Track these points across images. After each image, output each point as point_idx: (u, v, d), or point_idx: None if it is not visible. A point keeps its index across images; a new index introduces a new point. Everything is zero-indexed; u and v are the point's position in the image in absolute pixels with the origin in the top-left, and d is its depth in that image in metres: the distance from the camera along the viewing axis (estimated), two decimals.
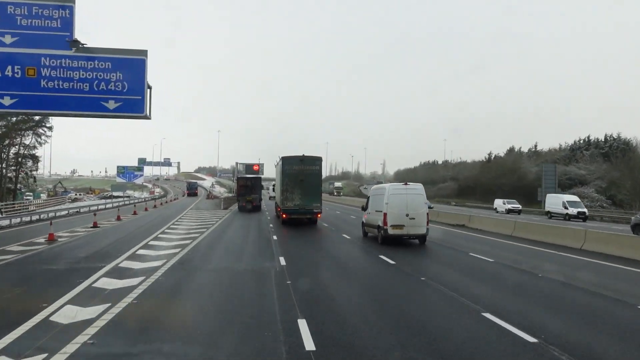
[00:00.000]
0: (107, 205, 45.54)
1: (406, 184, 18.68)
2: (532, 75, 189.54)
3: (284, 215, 26.07)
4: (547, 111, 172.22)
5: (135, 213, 35.22)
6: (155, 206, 47.52)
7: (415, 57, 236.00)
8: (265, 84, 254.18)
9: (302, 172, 25.26)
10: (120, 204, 51.51)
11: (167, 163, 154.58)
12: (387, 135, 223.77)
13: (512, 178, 67.28)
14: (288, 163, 25.79)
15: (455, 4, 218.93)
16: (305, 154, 25.80)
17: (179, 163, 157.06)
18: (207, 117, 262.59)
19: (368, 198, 20.78)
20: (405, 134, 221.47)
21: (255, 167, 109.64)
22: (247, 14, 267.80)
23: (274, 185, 47.66)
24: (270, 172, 57.18)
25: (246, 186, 42.42)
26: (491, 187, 71.99)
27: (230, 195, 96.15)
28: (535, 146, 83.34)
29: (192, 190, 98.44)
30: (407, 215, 17.03)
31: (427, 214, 17.63)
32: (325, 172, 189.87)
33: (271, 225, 26.33)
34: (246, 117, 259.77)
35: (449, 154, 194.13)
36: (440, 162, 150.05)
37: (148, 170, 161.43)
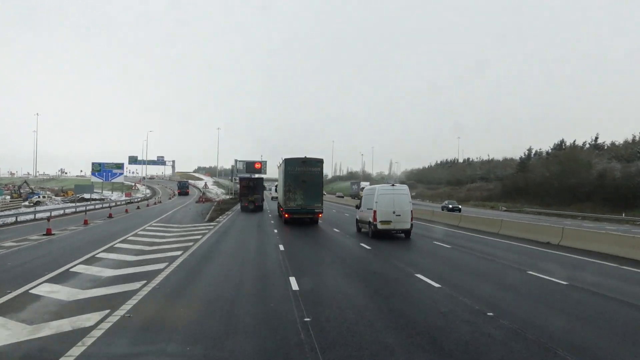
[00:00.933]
0: (40, 216, 30.44)
1: (393, 185, 20.93)
2: (531, 76, 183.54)
3: (286, 215, 26.12)
4: (553, 110, 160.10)
5: (49, 232, 19.98)
6: (110, 215, 32.21)
7: (419, 57, 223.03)
8: (269, 84, 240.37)
9: (304, 173, 25.47)
10: (71, 211, 36.52)
11: (160, 161, 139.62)
12: (393, 135, 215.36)
13: (587, 177, 51.99)
14: (290, 164, 25.95)
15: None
16: (307, 156, 26.02)
17: (173, 162, 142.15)
18: (209, 117, 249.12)
19: (361, 198, 23.90)
20: (410, 133, 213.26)
21: (257, 165, 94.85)
22: (251, 13, 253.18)
23: (276, 186, 46.91)
24: (274, 171, 52.89)
25: (248, 187, 42.18)
26: (551, 188, 56.78)
27: (227, 197, 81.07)
28: (596, 139, 68.13)
29: (183, 190, 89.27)
30: (394, 212, 19.23)
31: (411, 211, 19.72)
32: (330, 173, 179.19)
33: (293, 282, 9.93)
34: (249, 117, 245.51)
35: (455, 154, 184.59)
36: (452, 161, 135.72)
37: (141, 170, 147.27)
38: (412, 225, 19.70)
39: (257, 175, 69.11)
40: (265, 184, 56.90)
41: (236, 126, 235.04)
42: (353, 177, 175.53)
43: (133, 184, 67.32)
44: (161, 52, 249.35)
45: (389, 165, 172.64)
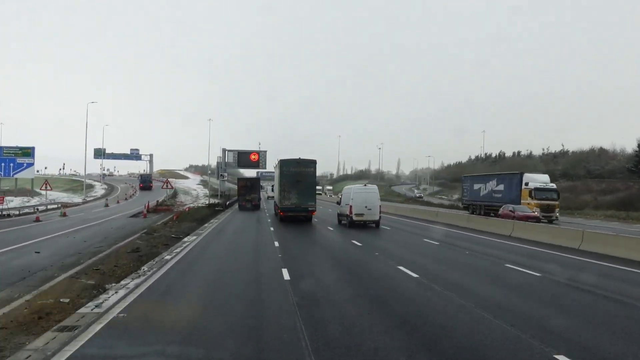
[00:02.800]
0: None
1: (365, 185, 25.41)
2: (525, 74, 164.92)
3: (281, 213, 26.41)
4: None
5: None
6: None
7: (421, 57, 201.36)
8: (270, 84, 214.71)
9: (298, 173, 25.88)
10: None
11: (134, 155, 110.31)
12: (398, 133, 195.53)
13: None
14: (286, 165, 26.34)
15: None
16: (302, 157, 26.48)
17: (151, 156, 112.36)
18: (205, 114, 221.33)
19: (341, 196, 27.11)
20: (415, 132, 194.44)
21: (253, 157, 67.41)
22: (255, 11, 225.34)
23: (272, 186, 49.15)
24: (274, 155, 49.44)
25: (246, 187, 43.06)
26: None
27: (205, 202, 52.08)
28: None
29: (145, 184, 76.72)
30: (366, 207, 22.72)
31: (380, 206, 23.52)
32: (334, 171, 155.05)
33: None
34: (251, 116, 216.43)
35: (450, 153, 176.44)
36: (499, 155, 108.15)
37: (112, 165, 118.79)
38: (380, 217, 23.42)
39: (255, 171, 67.42)
40: (263, 184, 56.88)
41: (236, 125, 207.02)
42: (364, 175, 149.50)
43: (45, 182, 39.60)
44: (158, 50, 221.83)
45: (396, 164, 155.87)
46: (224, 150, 69.65)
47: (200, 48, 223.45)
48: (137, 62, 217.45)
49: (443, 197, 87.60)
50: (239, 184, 45.11)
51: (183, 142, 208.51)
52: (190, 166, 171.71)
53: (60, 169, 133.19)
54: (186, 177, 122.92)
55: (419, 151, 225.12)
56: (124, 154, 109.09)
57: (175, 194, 61.53)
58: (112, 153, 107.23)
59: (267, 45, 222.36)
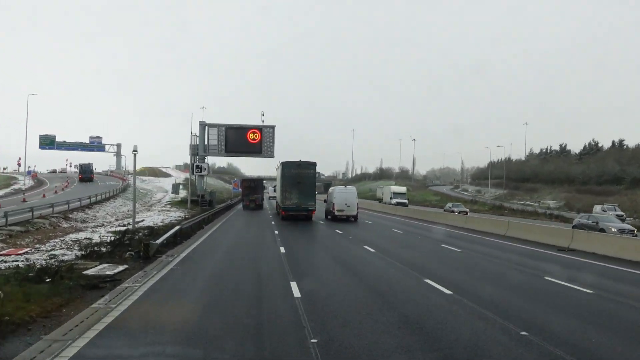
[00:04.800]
0: None
1: (345, 186, 31.75)
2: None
3: (283, 213, 27.65)
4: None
5: None
6: None
7: (421, 57, 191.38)
8: (270, 83, 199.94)
9: (299, 175, 27.08)
10: None
11: (95, 145, 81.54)
12: (402, 134, 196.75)
13: None
14: (287, 167, 27.68)
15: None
16: (302, 160, 27.87)
17: (119, 146, 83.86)
18: (203, 112, 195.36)
19: (328, 195, 31.42)
20: (419, 132, 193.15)
21: (252, 136, 38.28)
22: (260, 10, 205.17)
23: (274, 187, 49.78)
24: (281, 157, 37.91)
25: (250, 187, 44.54)
26: None
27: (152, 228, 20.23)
28: None
29: (86, 175, 61.46)
30: (346, 204, 27.85)
31: (357, 203, 28.88)
32: (348, 173, 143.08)
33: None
34: (251, 116, 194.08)
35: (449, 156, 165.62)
36: (590, 147, 79.08)
37: (76, 156, 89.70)
38: (357, 212, 28.72)
39: (255, 167, 62.92)
40: (266, 184, 61.06)
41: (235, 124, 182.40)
42: (385, 175, 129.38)
43: None
44: (157, 49, 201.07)
45: (411, 163, 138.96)
46: (202, 126, 40.83)
47: (199, 48, 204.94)
48: (134, 60, 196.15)
49: (532, 203, 58.46)
50: (243, 185, 47.72)
51: (182, 142, 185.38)
52: (185, 164, 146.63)
53: (18, 165, 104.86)
54: (168, 175, 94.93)
55: (425, 152, 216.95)
56: (81, 143, 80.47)
57: (113, 196, 33.41)
58: (64, 142, 78.99)
59: (267, 44, 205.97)
